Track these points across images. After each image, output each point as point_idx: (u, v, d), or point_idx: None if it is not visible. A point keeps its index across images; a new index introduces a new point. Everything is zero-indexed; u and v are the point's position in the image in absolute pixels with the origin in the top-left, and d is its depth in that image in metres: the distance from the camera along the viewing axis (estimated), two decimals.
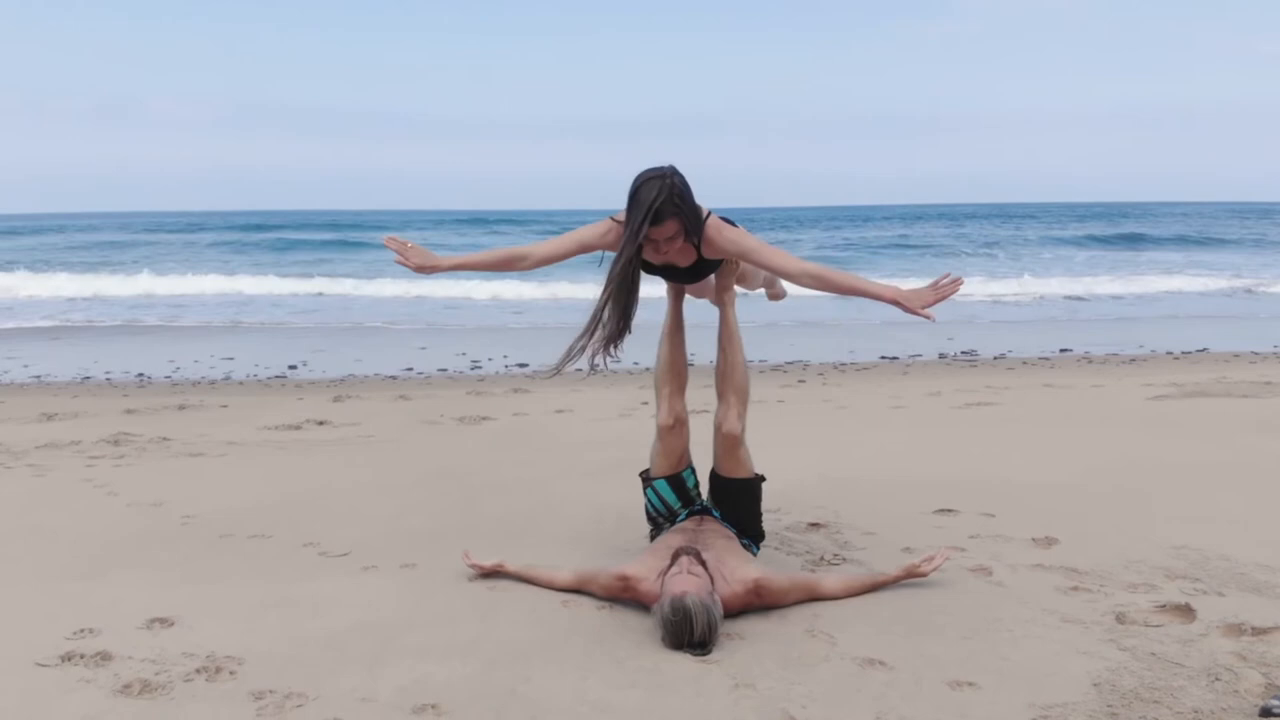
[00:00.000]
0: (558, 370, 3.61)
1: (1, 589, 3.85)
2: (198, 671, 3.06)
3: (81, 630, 3.38)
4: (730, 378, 4.03)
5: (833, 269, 3.74)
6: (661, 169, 3.54)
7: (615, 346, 3.60)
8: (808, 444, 6.41)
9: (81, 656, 3.17)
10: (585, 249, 3.72)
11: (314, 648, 3.26)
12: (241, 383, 10.05)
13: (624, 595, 3.57)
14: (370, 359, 11.66)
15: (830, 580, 3.67)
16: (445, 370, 10.80)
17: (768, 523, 4.54)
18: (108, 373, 10.68)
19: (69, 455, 6.28)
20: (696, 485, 4.05)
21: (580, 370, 3.64)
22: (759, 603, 3.48)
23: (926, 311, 3.50)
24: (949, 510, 4.75)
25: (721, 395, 4.03)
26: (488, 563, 3.89)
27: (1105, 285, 21.04)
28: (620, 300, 3.55)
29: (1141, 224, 46.33)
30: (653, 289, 4.12)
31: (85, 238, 41.74)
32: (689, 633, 3.15)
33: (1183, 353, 11.39)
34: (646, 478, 4.06)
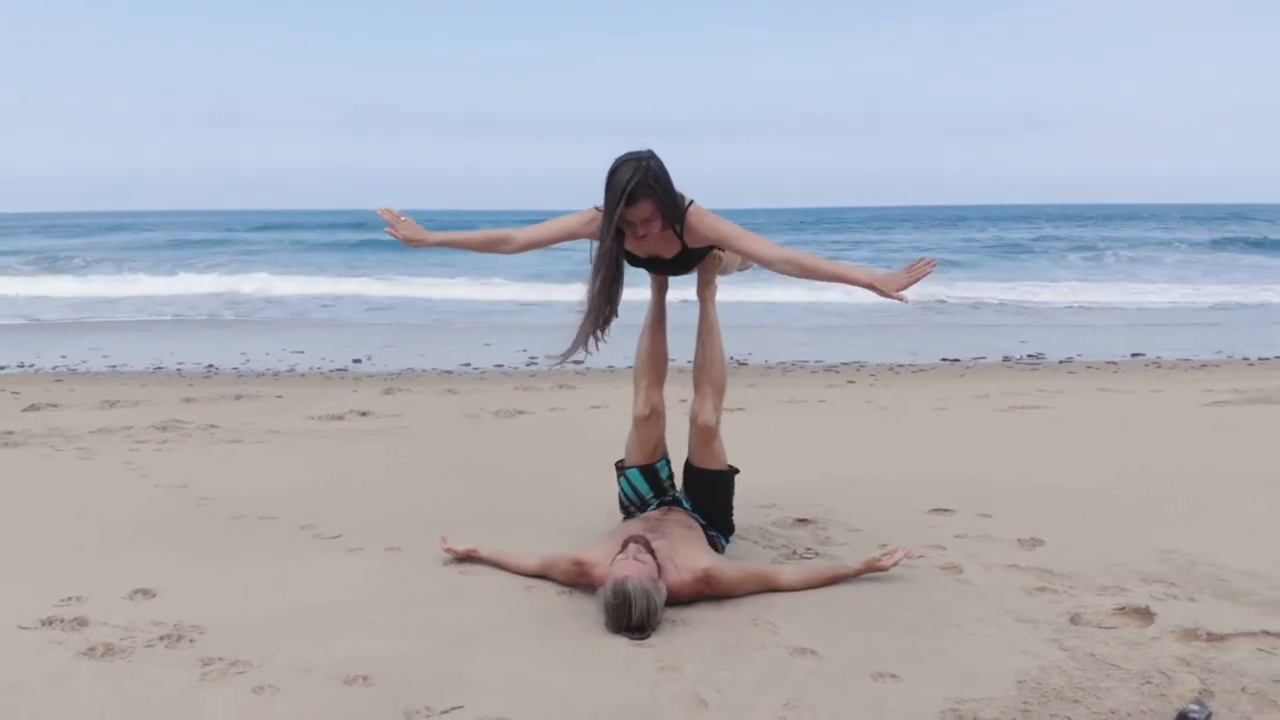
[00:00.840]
0: (561, 361, 3.69)
1: (10, 560, 4.11)
2: (161, 639, 3.24)
3: (68, 598, 3.59)
4: (708, 371, 4.07)
5: (810, 255, 3.75)
6: (639, 152, 3.59)
7: (602, 331, 3.66)
8: (829, 443, 6.37)
9: (61, 621, 3.38)
10: (569, 236, 3.80)
11: (277, 622, 3.40)
12: (304, 375, 10.39)
13: (580, 580, 3.63)
14: (433, 354, 11.92)
15: (788, 573, 3.67)
16: (501, 366, 10.98)
17: (758, 517, 4.57)
18: (179, 364, 11.15)
19: (118, 440, 6.60)
20: (670, 477, 4.09)
21: (581, 358, 3.70)
22: (710, 592, 3.50)
23: (900, 294, 3.50)
24: (946, 510, 4.68)
25: (698, 387, 4.07)
26: (461, 547, 4.00)
27: (1205, 290, 20.05)
28: (605, 285, 3.61)
29: (1257, 227, 44.17)
30: (639, 293, 4.17)
31: (191, 235, 43.58)
32: (627, 616, 3.20)
33: (1259, 359, 10.91)
34: (621, 467, 4.12)
